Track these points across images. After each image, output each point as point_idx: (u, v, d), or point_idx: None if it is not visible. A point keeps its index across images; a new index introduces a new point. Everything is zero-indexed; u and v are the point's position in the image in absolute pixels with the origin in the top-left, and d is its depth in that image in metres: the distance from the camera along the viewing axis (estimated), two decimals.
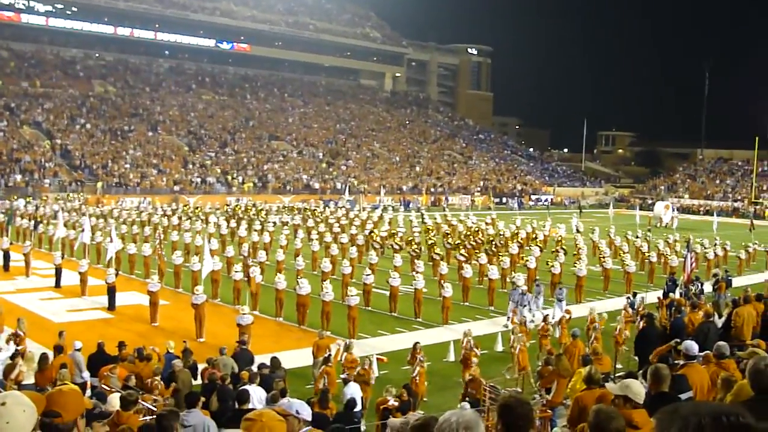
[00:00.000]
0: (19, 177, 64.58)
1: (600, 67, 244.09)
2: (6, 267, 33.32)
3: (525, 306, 24.54)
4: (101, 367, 15.21)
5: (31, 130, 74.86)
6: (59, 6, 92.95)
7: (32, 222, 43.66)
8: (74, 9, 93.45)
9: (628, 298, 25.14)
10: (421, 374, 16.65)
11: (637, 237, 44.77)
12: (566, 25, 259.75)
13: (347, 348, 17.37)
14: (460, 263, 33.14)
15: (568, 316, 22.00)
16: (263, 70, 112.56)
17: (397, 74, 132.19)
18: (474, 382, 15.45)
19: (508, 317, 24.50)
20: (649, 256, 37.19)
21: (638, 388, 6.19)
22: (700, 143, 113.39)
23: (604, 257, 35.27)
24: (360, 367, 16.33)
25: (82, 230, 36.14)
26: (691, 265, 28.58)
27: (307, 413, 6.42)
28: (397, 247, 38.56)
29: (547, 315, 22.14)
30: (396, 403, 13.80)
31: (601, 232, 47.42)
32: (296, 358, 19.67)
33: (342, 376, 16.08)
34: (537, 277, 29.14)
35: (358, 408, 14.33)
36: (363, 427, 14.20)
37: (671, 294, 25.78)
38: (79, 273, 28.70)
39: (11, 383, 14.04)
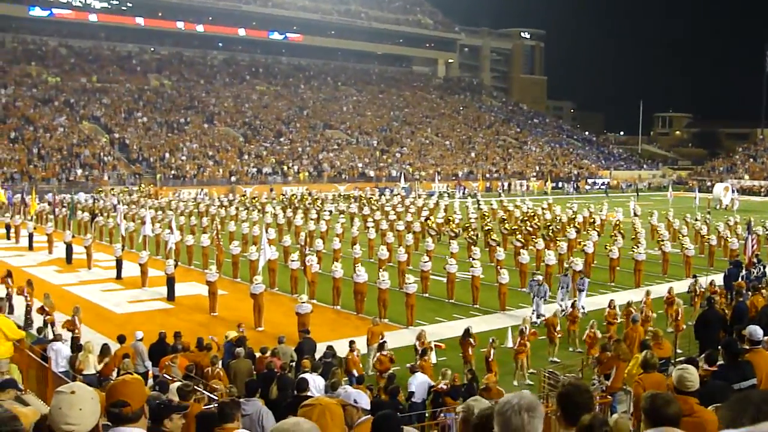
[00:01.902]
0: (79, 171, 65.74)
1: (655, 48, 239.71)
2: (69, 260, 34.01)
3: (542, 297, 24.24)
4: (162, 356, 15.45)
5: (90, 125, 76.22)
6: (115, 2, 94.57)
7: (90, 215, 44.42)
8: (129, 5, 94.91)
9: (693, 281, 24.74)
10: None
11: (696, 220, 43.89)
12: (619, 6, 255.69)
13: (419, 337, 17.37)
14: (517, 249, 32.94)
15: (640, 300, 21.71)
16: (316, 59, 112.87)
17: (450, 60, 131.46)
18: (487, 391, 12.87)
19: (533, 310, 24.20)
20: (708, 239, 36.51)
21: (688, 376, 6.08)
22: (759, 123, 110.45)
23: (662, 241, 34.72)
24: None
25: (143, 222, 36.72)
26: (753, 247, 28.05)
27: (365, 402, 6.44)
28: (453, 233, 38.43)
29: (613, 300, 21.63)
30: (445, 387, 13.76)
31: (659, 215, 46.69)
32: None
33: (408, 365, 16.10)
34: (567, 267, 28.12)
35: (420, 398, 14.27)
36: (427, 414, 14.20)
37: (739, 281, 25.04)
38: (139, 264, 29.21)
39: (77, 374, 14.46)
